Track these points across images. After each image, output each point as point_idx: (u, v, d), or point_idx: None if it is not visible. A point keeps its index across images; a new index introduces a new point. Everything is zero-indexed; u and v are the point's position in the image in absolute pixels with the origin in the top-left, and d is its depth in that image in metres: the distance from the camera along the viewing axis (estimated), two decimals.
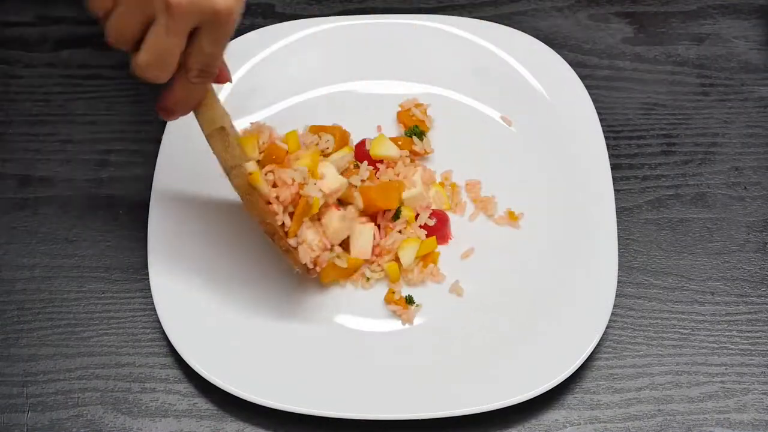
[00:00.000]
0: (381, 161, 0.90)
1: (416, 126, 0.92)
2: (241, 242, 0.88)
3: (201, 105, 0.77)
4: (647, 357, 0.83)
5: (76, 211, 0.91)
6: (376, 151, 0.89)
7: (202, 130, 0.78)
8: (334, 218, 0.82)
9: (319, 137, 0.90)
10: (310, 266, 0.80)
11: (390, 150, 0.89)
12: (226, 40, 0.72)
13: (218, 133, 0.78)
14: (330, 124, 0.92)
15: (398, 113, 0.94)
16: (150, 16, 0.68)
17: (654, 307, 0.86)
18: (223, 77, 0.77)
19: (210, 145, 0.79)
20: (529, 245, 0.87)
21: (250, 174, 0.78)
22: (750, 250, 0.88)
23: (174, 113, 0.77)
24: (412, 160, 0.91)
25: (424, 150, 0.91)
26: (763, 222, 0.90)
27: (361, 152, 0.90)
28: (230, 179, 0.79)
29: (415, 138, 0.91)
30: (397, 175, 0.89)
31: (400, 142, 0.90)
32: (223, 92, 0.94)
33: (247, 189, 0.78)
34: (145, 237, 0.87)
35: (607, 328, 0.81)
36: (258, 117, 0.94)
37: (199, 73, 0.73)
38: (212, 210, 0.89)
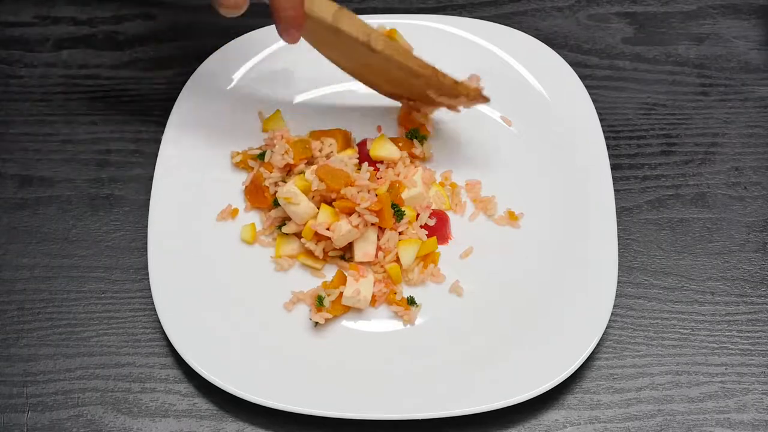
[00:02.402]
0: (381, 162, 0.90)
1: (417, 129, 0.92)
2: (241, 242, 0.88)
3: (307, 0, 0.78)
4: (647, 357, 0.83)
5: (76, 211, 0.91)
6: (377, 152, 0.89)
7: (325, 19, 0.80)
8: (342, 225, 0.83)
9: (322, 142, 0.90)
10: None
11: (390, 151, 0.89)
12: None
13: (340, 12, 0.80)
14: (331, 125, 0.92)
15: (399, 116, 0.93)
16: None
17: (654, 307, 0.86)
18: None
19: (339, 26, 0.80)
20: (529, 245, 0.87)
21: (389, 30, 0.84)
22: (750, 250, 0.88)
23: (293, 24, 0.77)
24: (411, 161, 0.91)
25: (423, 154, 0.91)
26: (763, 222, 0.90)
27: (363, 153, 0.90)
28: (374, 44, 0.81)
29: (415, 141, 0.91)
30: (398, 175, 0.89)
31: (400, 144, 0.90)
32: (223, 93, 0.94)
33: (393, 45, 0.82)
34: (145, 237, 0.87)
35: (607, 328, 0.81)
36: (257, 117, 0.94)
37: None
38: (212, 210, 0.89)
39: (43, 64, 1.00)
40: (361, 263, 0.85)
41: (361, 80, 0.91)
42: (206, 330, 0.82)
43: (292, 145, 0.89)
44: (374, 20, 0.98)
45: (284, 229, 0.87)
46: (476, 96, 0.87)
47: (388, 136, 0.92)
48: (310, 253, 0.86)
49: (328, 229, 0.84)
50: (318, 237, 0.85)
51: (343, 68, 0.90)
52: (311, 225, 0.84)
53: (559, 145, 0.91)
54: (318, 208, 0.85)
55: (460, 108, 0.90)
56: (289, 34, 0.79)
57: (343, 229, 0.83)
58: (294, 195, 0.84)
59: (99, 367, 0.83)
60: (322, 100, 0.96)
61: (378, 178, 0.89)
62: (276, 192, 0.87)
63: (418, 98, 0.89)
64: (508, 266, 0.86)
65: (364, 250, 0.85)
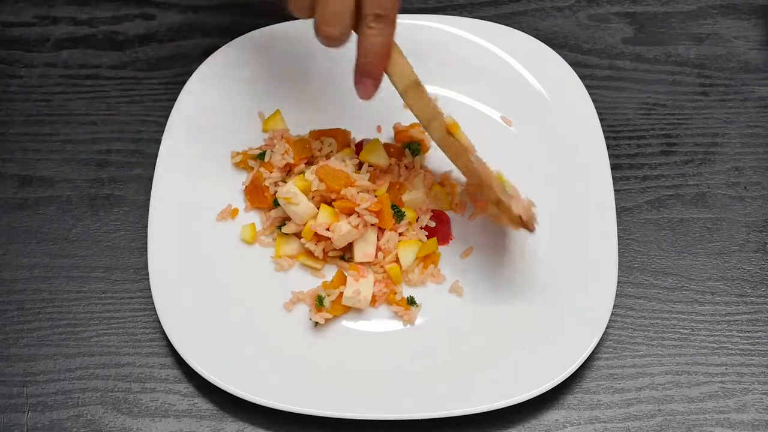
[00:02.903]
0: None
1: (415, 143, 0.91)
2: (241, 242, 0.88)
3: (391, 62, 0.77)
4: (647, 357, 0.83)
5: (76, 211, 0.91)
6: (366, 156, 0.89)
7: (396, 87, 0.79)
8: (342, 225, 0.83)
9: (322, 142, 0.90)
10: (525, 218, 0.80)
11: (380, 158, 0.89)
12: None
13: (413, 88, 0.79)
14: (331, 125, 0.92)
15: (396, 134, 0.93)
16: None
17: (654, 307, 0.86)
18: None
19: (405, 100, 0.79)
20: (530, 245, 0.87)
21: (450, 124, 0.81)
22: (750, 250, 0.88)
23: (370, 74, 0.76)
24: (408, 168, 0.90)
25: (413, 165, 0.90)
26: (763, 222, 0.90)
27: (360, 153, 0.90)
28: (430, 132, 0.80)
29: (407, 151, 0.90)
30: (399, 177, 0.89)
31: (392, 149, 0.90)
32: (223, 93, 0.94)
33: (447, 140, 0.80)
34: (145, 237, 0.87)
35: (607, 328, 0.81)
36: (258, 117, 0.94)
37: (375, 18, 0.73)
38: (212, 210, 0.89)
39: (43, 64, 1.00)
40: (361, 263, 0.85)
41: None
42: (206, 330, 0.82)
43: (292, 145, 0.89)
44: None
45: (284, 229, 0.87)
46: (517, 222, 0.80)
47: (388, 137, 0.92)
48: (309, 254, 0.86)
49: (327, 229, 0.84)
50: (318, 237, 0.85)
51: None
52: (311, 225, 0.84)
53: (559, 145, 0.91)
54: (318, 209, 0.85)
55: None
56: (363, 85, 0.78)
57: (342, 230, 0.83)
58: (294, 195, 0.84)
59: (99, 367, 0.83)
60: (322, 100, 0.96)
61: (378, 179, 0.89)
62: (276, 192, 0.87)
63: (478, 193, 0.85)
64: (508, 266, 0.86)
65: (364, 251, 0.85)
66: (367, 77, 0.77)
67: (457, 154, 0.82)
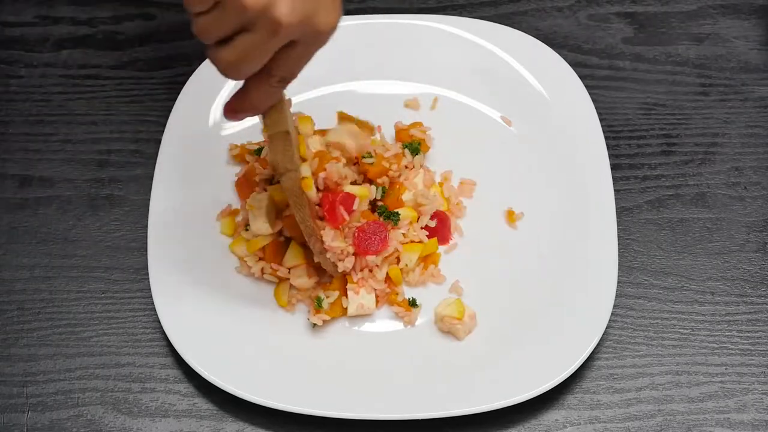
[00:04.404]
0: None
1: (416, 142, 0.90)
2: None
3: (271, 108, 0.75)
4: (647, 357, 0.83)
5: (76, 211, 0.91)
6: (331, 137, 0.87)
7: (264, 130, 0.76)
8: (306, 281, 0.84)
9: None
10: (338, 264, 0.82)
11: (343, 137, 0.86)
12: (316, 52, 0.71)
13: (281, 137, 0.76)
14: (330, 125, 0.92)
15: (396, 132, 0.93)
16: (248, 24, 0.65)
17: (654, 307, 0.86)
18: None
19: (269, 145, 0.77)
20: (529, 245, 0.87)
21: (303, 179, 0.78)
22: (750, 250, 0.88)
23: (242, 114, 0.74)
24: (407, 167, 0.90)
25: (413, 165, 0.90)
26: (763, 222, 0.90)
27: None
28: (281, 181, 0.77)
29: (407, 151, 0.90)
30: (398, 177, 0.89)
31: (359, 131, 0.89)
32: (222, 93, 0.94)
33: (297, 192, 0.78)
34: (145, 237, 0.87)
35: (607, 328, 0.81)
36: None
37: (281, 79, 0.70)
38: (212, 210, 0.89)
39: (43, 64, 1.00)
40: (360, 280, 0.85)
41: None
42: (206, 330, 0.82)
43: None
44: (374, 20, 0.98)
45: (244, 234, 0.86)
46: (333, 269, 0.83)
47: (386, 138, 0.92)
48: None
49: (289, 270, 0.84)
50: (259, 257, 0.85)
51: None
52: (260, 244, 0.84)
53: (559, 145, 0.91)
54: (275, 229, 0.84)
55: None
56: (234, 118, 0.74)
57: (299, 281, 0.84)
58: (257, 206, 0.83)
59: (99, 367, 0.83)
60: (322, 100, 0.96)
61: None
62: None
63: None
64: (508, 266, 0.86)
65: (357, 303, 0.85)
66: (238, 114, 0.74)
67: (300, 205, 0.79)
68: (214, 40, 0.66)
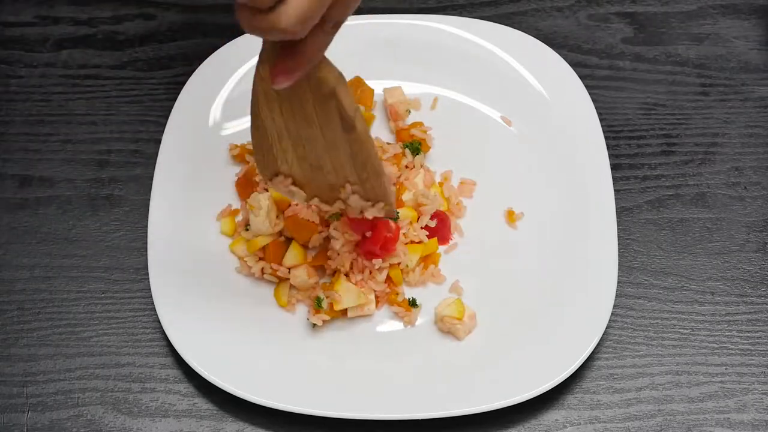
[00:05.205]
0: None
1: (416, 142, 0.90)
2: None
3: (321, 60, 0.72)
4: (647, 357, 0.83)
5: (76, 211, 0.91)
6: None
7: (328, 83, 0.72)
8: (308, 279, 0.84)
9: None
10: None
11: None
12: None
13: (342, 80, 0.72)
14: None
15: (396, 132, 0.93)
16: None
17: (654, 307, 0.86)
18: None
19: (341, 92, 0.73)
20: (529, 245, 0.87)
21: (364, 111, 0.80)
22: (750, 250, 0.88)
23: (299, 71, 0.70)
24: (408, 167, 0.90)
25: (413, 165, 0.90)
26: (763, 222, 0.90)
27: None
28: (358, 125, 0.74)
29: (407, 151, 0.90)
30: (399, 177, 0.89)
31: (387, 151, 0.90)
32: (222, 93, 0.94)
33: (366, 132, 0.75)
34: (145, 237, 0.87)
35: (607, 328, 0.81)
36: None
37: (335, 24, 0.68)
38: (212, 210, 0.89)
39: (43, 64, 1.00)
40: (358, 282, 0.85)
41: (264, 159, 0.80)
42: (206, 330, 0.82)
43: None
44: (374, 20, 0.98)
45: (244, 234, 0.86)
46: (391, 209, 0.81)
47: (385, 138, 0.92)
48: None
49: (289, 270, 0.84)
50: (259, 256, 0.85)
51: (261, 142, 0.79)
52: (260, 243, 0.84)
53: (559, 145, 0.91)
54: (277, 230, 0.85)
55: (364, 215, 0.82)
56: (289, 79, 0.70)
57: (298, 279, 0.84)
58: (257, 205, 0.84)
59: (99, 367, 0.83)
60: None
61: None
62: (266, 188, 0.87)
63: (324, 192, 0.81)
64: (508, 266, 0.86)
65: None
66: (296, 73, 0.70)
67: (372, 145, 0.77)
68: (272, 3, 0.63)
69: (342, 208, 0.81)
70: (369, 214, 0.81)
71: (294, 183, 0.80)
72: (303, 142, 0.77)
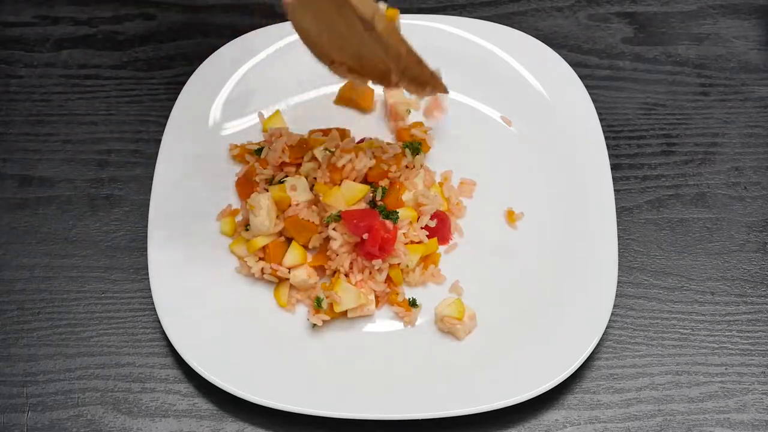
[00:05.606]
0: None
1: (416, 142, 0.90)
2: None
3: None
4: (647, 357, 0.83)
5: (76, 211, 0.91)
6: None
7: None
8: (306, 277, 0.84)
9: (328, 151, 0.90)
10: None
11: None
12: None
13: None
14: (330, 125, 0.92)
15: (397, 132, 0.93)
16: None
17: (654, 307, 0.86)
18: None
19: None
20: (529, 245, 0.87)
21: (390, 13, 0.83)
22: (750, 250, 0.88)
23: None
24: (408, 167, 0.90)
25: (413, 165, 0.90)
26: (763, 222, 0.90)
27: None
28: (375, 25, 0.76)
29: (407, 151, 0.90)
30: (398, 177, 0.89)
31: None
32: (222, 93, 0.94)
33: (389, 30, 0.78)
34: (145, 237, 0.87)
35: (607, 328, 0.81)
36: (257, 117, 0.94)
37: None
38: (212, 210, 0.89)
39: (43, 64, 1.00)
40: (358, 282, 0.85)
41: (316, 49, 0.83)
42: (206, 330, 0.82)
43: (290, 149, 0.88)
44: None
45: (244, 234, 0.86)
46: (441, 88, 0.84)
47: (385, 138, 0.92)
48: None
49: (289, 269, 0.84)
50: (259, 256, 0.85)
51: (307, 36, 0.82)
52: (259, 243, 0.84)
53: (559, 145, 0.91)
54: (279, 232, 0.85)
55: (414, 97, 0.90)
56: None
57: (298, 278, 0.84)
58: (257, 205, 0.84)
59: (99, 367, 0.83)
60: (321, 100, 0.96)
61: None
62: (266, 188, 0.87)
63: (377, 78, 0.83)
64: (508, 266, 0.86)
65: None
66: None
67: (400, 38, 0.79)
68: None
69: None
70: (421, 96, 0.88)
71: (349, 70, 0.82)
72: (340, 39, 0.80)
